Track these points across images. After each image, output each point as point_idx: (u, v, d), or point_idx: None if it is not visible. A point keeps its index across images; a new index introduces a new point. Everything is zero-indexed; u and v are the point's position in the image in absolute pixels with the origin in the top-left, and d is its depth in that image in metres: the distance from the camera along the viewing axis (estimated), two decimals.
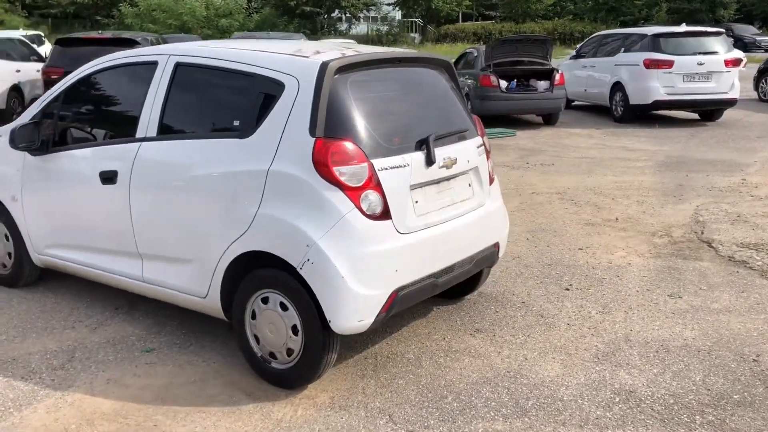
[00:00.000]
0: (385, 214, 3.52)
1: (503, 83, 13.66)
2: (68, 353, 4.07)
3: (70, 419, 3.38)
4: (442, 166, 3.83)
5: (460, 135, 4.10)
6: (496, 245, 4.38)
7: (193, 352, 4.08)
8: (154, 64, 4.12)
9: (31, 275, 5.01)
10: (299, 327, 3.52)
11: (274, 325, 3.61)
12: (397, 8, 44.39)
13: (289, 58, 3.73)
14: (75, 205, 4.44)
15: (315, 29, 40.46)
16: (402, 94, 3.96)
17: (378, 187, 3.49)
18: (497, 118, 13.69)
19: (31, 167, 4.64)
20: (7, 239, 4.96)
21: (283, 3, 39.86)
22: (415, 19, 45.44)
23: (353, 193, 3.42)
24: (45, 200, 4.63)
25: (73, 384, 3.72)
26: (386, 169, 3.54)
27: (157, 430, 3.30)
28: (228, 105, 3.92)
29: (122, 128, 4.22)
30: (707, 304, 4.80)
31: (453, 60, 10.56)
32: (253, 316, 3.69)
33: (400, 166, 3.61)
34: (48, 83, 11.86)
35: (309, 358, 3.54)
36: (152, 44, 12.84)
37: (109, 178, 4.14)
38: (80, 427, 3.31)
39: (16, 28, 34.14)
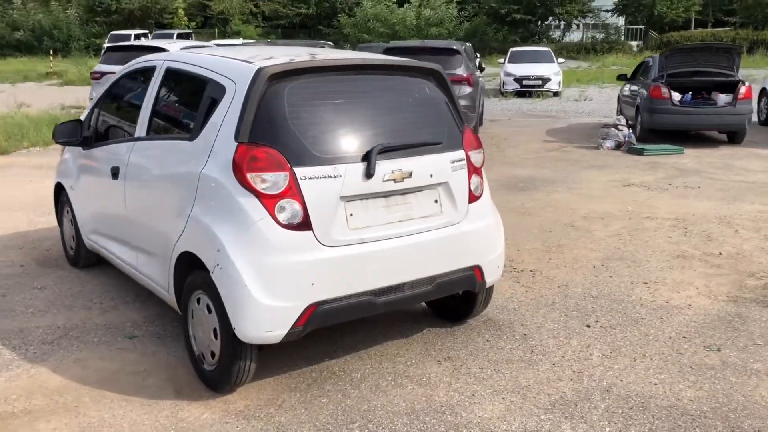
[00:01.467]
0: (304, 225, 3.42)
1: (676, 95, 12.45)
2: (66, 331, 4.46)
3: (16, 390, 3.71)
4: (389, 180, 3.62)
5: (426, 148, 3.84)
6: (476, 269, 4.03)
7: (166, 344, 4.27)
8: (154, 68, 4.38)
9: (88, 257, 5.54)
10: (218, 331, 3.54)
11: (202, 326, 3.67)
12: (616, 14, 42.12)
13: (235, 63, 3.76)
14: (99, 197, 4.86)
15: (526, 37, 39.82)
16: (358, 102, 3.77)
17: (298, 197, 3.40)
18: (671, 134, 12.55)
19: (81, 160, 5.15)
20: (72, 223, 5.55)
21: (494, 11, 39.72)
22: (638, 26, 42.84)
23: (269, 201, 3.37)
24: (86, 190, 5.12)
25: (46, 359, 4.07)
26: (311, 178, 3.43)
27: (74, 411, 3.51)
28: (189, 108, 4.06)
29: (130, 128, 4.54)
30: (746, 362, 4.02)
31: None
32: (192, 315, 3.77)
33: (330, 177, 3.47)
34: None
35: (224, 364, 3.55)
36: None
37: (114, 173, 4.48)
38: (18, 399, 3.63)
39: (251, 37, 37.83)
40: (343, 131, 3.63)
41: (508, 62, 22.91)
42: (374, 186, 3.59)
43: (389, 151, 3.67)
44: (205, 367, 3.72)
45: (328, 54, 3.94)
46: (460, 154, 3.99)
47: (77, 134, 4.95)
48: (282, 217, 3.38)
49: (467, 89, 12.30)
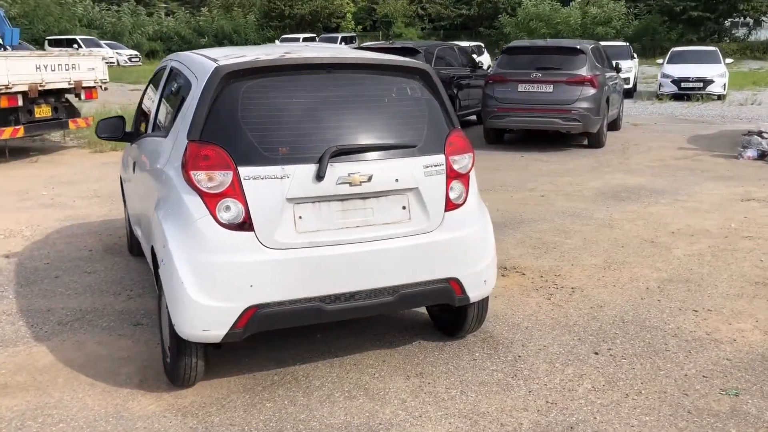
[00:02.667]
0: (246, 225, 3.37)
1: None
2: (83, 314, 4.75)
3: (9, 365, 4.01)
4: (343, 183, 3.48)
5: (394, 151, 3.64)
6: (452, 282, 3.77)
7: (158, 334, 4.41)
8: (165, 68, 4.54)
9: (139, 245, 5.87)
10: (170, 326, 3.59)
11: (164, 320, 3.74)
12: None
13: (202, 61, 3.78)
14: (130, 189, 5.13)
15: (704, 36, 36.87)
16: (322, 103, 3.62)
17: (241, 197, 3.36)
18: None
19: (126, 155, 5.48)
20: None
21: (668, 8, 37.15)
22: None
23: (211, 200, 3.36)
24: (127, 182, 5.43)
25: (51, 339, 4.36)
26: (255, 178, 3.37)
27: (43, 390, 3.72)
28: (171, 105, 4.14)
29: (148, 125, 4.74)
30: (763, 413, 3.42)
31: None
32: (161, 309, 3.86)
33: (275, 177, 3.39)
34: None
35: (173, 359, 3.60)
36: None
37: (133, 168, 4.71)
38: (5, 374, 3.91)
39: (411, 38, 38.32)
40: (299, 132, 3.52)
41: (667, 63, 21.31)
42: (326, 189, 3.46)
43: (350, 153, 3.52)
44: (167, 360, 3.79)
45: (302, 53, 3.84)
46: (438, 158, 3.74)
47: (119, 130, 5.24)
48: (223, 216, 3.35)
49: (590, 91, 11.59)
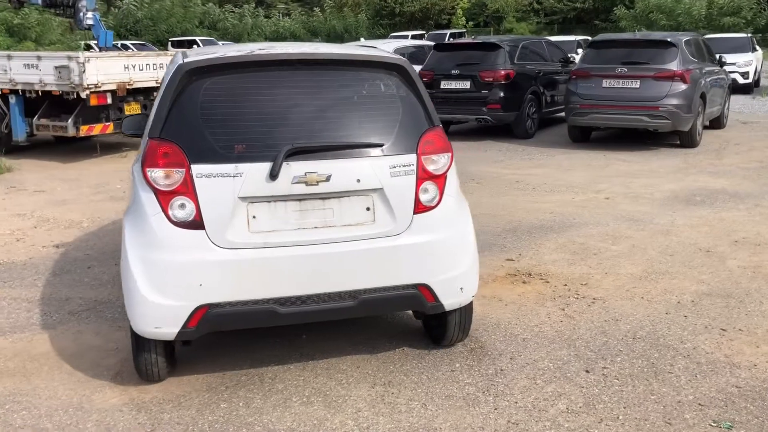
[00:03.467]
0: (197, 224, 3.34)
1: None
2: (95, 305, 4.91)
3: (7, 351, 4.20)
4: (299, 182, 3.37)
5: (358, 150, 3.49)
6: (422, 288, 3.57)
7: None
8: None
9: None
10: None
11: None
12: None
13: (178, 57, 3.76)
14: None
15: None
16: (286, 100, 3.51)
17: (192, 195, 3.33)
18: None
19: None
20: None
21: None
22: None
23: (164, 197, 3.35)
24: None
25: (56, 327, 4.53)
26: (207, 176, 3.33)
27: (26, 377, 3.86)
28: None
29: None
30: None
31: None
32: None
33: (229, 176, 3.33)
34: None
35: (133, 355, 3.63)
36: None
37: None
38: (1, 360, 4.09)
39: (522, 33, 37.51)
40: (258, 129, 3.45)
41: None
42: (281, 188, 3.37)
43: (309, 152, 3.42)
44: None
45: (275, 48, 3.76)
46: (408, 158, 3.56)
47: (142, 127, 5.38)
48: (175, 214, 3.34)
49: (681, 86, 10.81)
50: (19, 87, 10.78)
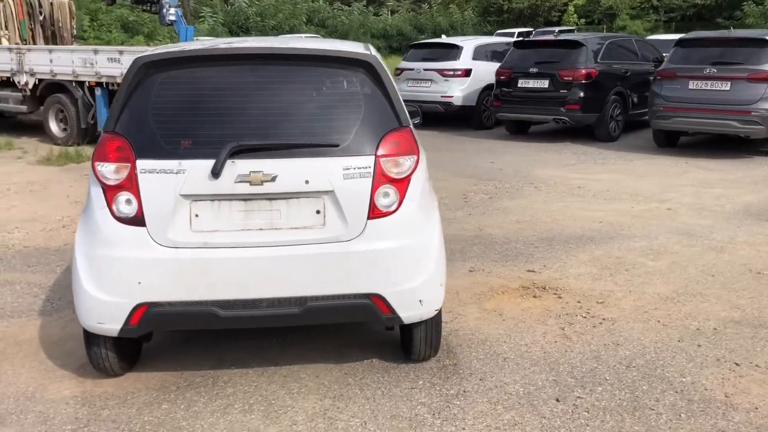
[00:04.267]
0: (138, 221, 3.27)
1: None
2: None
3: None
4: (243, 181, 3.23)
5: (309, 150, 3.31)
6: (375, 299, 3.35)
7: None
8: None
9: None
10: None
11: None
12: None
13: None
14: None
15: None
16: (240, 96, 3.36)
17: (135, 190, 3.27)
18: None
19: None
20: None
21: None
22: None
23: (110, 192, 3.31)
24: None
25: (51, 315, 4.62)
26: (150, 172, 3.25)
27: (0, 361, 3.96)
28: None
29: None
30: None
31: None
32: None
33: (171, 172, 3.24)
34: (498, 84, 12.70)
35: (86, 349, 3.61)
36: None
37: None
38: None
39: (636, 31, 35.81)
40: (206, 126, 3.32)
41: None
42: (224, 187, 3.25)
43: (256, 150, 3.28)
44: None
45: (240, 43, 3.63)
46: (365, 160, 3.34)
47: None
48: (118, 210, 3.29)
49: None
50: (103, 80, 11.29)
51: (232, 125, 3.33)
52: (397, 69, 14.70)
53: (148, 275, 3.27)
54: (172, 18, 12.37)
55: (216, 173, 3.22)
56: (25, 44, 13.72)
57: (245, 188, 3.25)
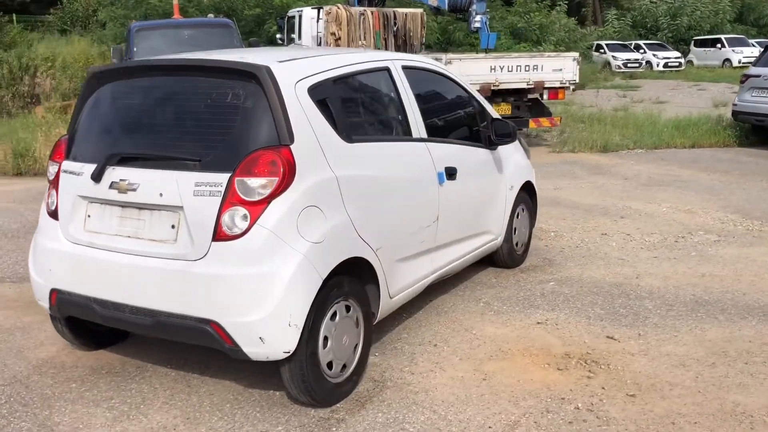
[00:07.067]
0: (55, 215, 3.65)
1: None
2: None
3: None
4: (113, 188, 3.36)
5: (172, 162, 3.25)
6: (214, 326, 3.13)
7: None
8: None
9: None
10: None
11: None
12: None
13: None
14: None
15: None
16: (145, 105, 3.53)
17: (57, 188, 3.65)
18: None
19: None
20: None
21: None
22: None
23: (49, 188, 3.76)
24: None
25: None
26: (66, 172, 3.62)
27: None
28: None
29: None
30: None
31: None
32: None
33: (76, 174, 3.56)
34: None
35: None
36: None
37: None
38: None
39: None
40: (105, 133, 3.62)
41: None
42: (101, 191, 3.45)
43: (132, 159, 3.39)
44: None
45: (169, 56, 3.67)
46: (217, 177, 3.12)
47: None
48: (49, 202, 3.72)
49: None
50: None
51: (123, 134, 3.56)
52: (743, 75, 12.49)
53: (55, 264, 3.64)
54: (477, 25, 12.52)
55: (94, 178, 3.43)
56: None
57: (115, 195, 3.39)
